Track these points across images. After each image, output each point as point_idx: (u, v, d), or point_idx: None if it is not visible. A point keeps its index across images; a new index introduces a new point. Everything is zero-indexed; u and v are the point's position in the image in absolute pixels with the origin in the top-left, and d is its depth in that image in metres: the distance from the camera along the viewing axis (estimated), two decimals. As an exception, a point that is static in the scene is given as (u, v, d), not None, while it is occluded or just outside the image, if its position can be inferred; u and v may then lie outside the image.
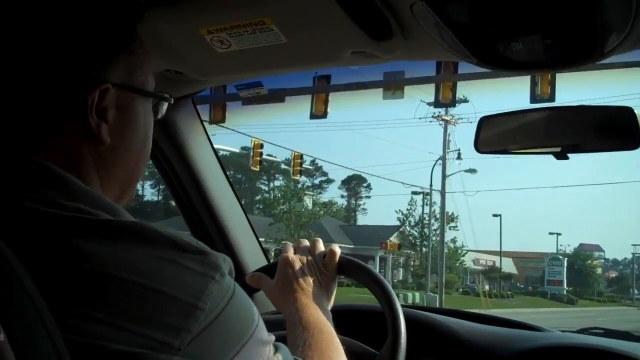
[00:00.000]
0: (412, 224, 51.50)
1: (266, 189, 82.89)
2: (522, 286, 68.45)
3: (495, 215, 60.46)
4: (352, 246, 48.00)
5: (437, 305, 31.09)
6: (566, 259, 65.81)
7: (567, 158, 1.70)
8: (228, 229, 2.26)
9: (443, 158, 38.76)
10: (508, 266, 70.93)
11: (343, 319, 1.42)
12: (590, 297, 65.63)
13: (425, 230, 48.65)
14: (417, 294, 38.87)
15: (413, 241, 51.46)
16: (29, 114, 0.91)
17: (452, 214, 47.80)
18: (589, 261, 72.36)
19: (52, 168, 0.89)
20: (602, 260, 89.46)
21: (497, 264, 66.36)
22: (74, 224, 0.81)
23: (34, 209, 0.82)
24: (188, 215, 2.27)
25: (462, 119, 38.46)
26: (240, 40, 1.51)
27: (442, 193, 38.44)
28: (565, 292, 62.02)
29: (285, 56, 1.62)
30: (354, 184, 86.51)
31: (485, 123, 1.83)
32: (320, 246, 1.50)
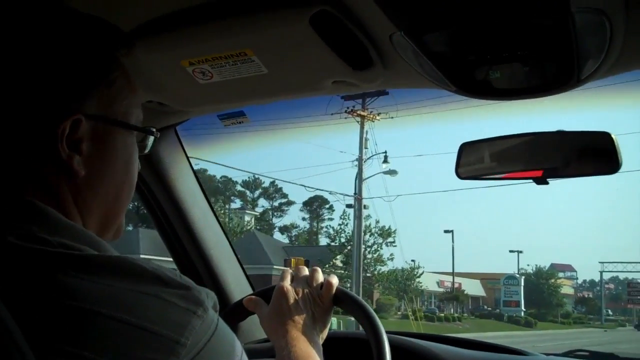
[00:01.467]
0: (346, 239, 45.97)
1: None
2: (490, 308, 66.26)
3: (447, 232, 58.24)
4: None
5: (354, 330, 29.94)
6: (523, 277, 63.72)
7: (547, 183, 1.72)
8: (212, 259, 2.25)
9: (359, 159, 33.28)
10: (475, 288, 69.20)
11: (327, 346, 1.42)
12: (554, 319, 63.45)
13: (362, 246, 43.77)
14: (333, 319, 33.87)
15: (344, 260, 45.47)
16: (8, 149, 0.91)
17: (389, 227, 45.33)
18: (552, 280, 69.78)
19: (35, 203, 0.89)
20: (574, 281, 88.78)
21: (464, 286, 64.88)
22: (58, 260, 0.80)
23: (17, 245, 0.81)
24: (172, 246, 2.26)
25: (383, 113, 32.20)
26: (222, 71, 1.52)
27: (358, 199, 33.13)
28: (522, 313, 59.77)
29: (266, 86, 1.63)
30: (316, 206, 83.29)
31: (465, 149, 1.85)
32: (319, 277, 1.48)
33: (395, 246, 47.07)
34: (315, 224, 66.59)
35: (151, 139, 1.10)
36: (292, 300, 1.40)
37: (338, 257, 44.91)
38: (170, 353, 0.78)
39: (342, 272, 42.15)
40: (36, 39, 0.93)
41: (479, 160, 1.89)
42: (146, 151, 1.09)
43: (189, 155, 2.25)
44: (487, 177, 1.90)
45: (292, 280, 1.47)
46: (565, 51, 1.31)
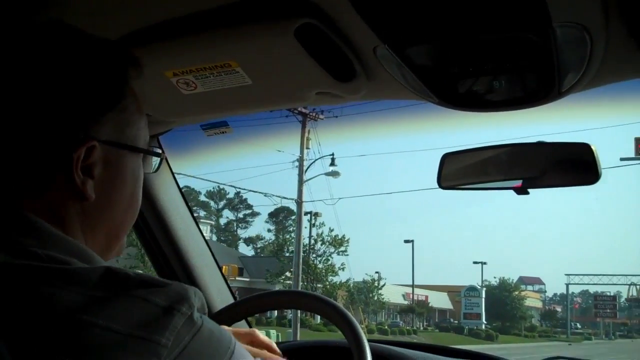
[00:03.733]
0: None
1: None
2: (456, 322, 65.09)
3: (407, 241, 57.33)
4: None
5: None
6: (484, 289, 62.70)
7: (527, 193, 1.75)
8: (195, 268, 2.24)
9: (300, 160, 31.06)
10: (442, 301, 68.87)
11: (308, 355, 1.42)
12: (518, 333, 62.44)
13: (312, 255, 42.28)
14: (272, 331, 30.84)
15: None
16: (17, 169, 0.92)
17: (343, 237, 42.98)
18: (517, 292, 68.37)
19: (27, 216, 0.89)
20: (543, 294, 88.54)
21: (430, 299, 64.07)
22: (44, 274, 0.81)
23: (5, 262, 0.82)
24: (154, 255, 2.25)
25: (326, 112, 30.41)
26: (206, 82, 1.53)
27: (298, 202, 31.25)
28: (484, 326, 58.85)
29: (251, 97, 1.64)
30: (282, 217, 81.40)
31: (447, 159, 1.86)
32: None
33: (347, 255, 43.62)
34: (281, 235, 65.45)
35: (156, 159, 1.12)
36: None
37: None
38: (151, 355, 0.78)
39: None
40: (52, 64, 0.94)
41: (460, 171, 1.91)
42: (151, 170, 1.11)
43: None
44: (468, 187, 1.93)
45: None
46: (547, 64, 1.33)
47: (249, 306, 1.98)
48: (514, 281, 72.89)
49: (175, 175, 2.28)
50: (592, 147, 1.65)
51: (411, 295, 60.82)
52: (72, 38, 0.99)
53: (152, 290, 0.82)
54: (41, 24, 0.97)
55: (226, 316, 2.05)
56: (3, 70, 0.92)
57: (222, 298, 2.31)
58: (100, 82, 0.98)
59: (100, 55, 1.00)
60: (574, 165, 1.74)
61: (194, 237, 2.29)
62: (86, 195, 0.94)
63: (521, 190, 1.75)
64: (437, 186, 1.88)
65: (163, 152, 2.17)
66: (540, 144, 1.78)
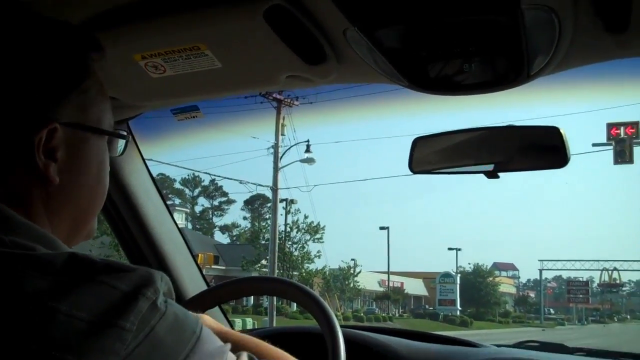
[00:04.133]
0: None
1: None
2: (432, 308, 64.99)
3: (382, 228, 56.84)
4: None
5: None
6: (459, 275, 63.09)
7: (497, 177, 1.76)
8: (166, 255, 2.23)
9: (275, 146, 30.64)
10: (418, 287, 69.02)
11: (281, 341, 1.42)
12: (492, 319, 62.42)
13: (288, 243, 41.84)
14: (248, 319, 30.42)
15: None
16: None
17: (318, 224, 42.39)
18: (491, 278, 69.13)
19: None
20: (516, 280, 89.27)
21: (406, 286, 64.05)
22: (10, 260, 0.80)
23: None
24: (124, 242, 2.24)
25: (301, 98, 29.88)
26: (175, 65, 1.51)
27: (274, 189, 30.91)
28: (458, 312, 59.12)
29: (220, 81, 1.63)
30: (258, 205, 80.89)
31: (418, 143, 1.87)
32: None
33: (322, 242, 43.26)
34: (257, 223, 65.14)
35: (122, 141, 1.11)
36: None
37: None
38: (116, 340, 0.77)
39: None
40: (9, 48, 0.93)
41: (432, 155, 1.91)
42: (117, 154, 1.10)
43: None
44: (440, 171, 1.93)
45: None
46: (515, 47, 1.33)
47: (220, 293, 1.98)
48: (488, 267, 73.66)
49: (148, 162, 2.26)
50: (561, 131, 1.66)
51: (387, 282, 60.93)
52: (29, 20, 0.97)
53: (116, 276, 0.81)
54: None
55: (198, 303, 2.04)
56: None
57: (194, 285, 2.31)
58: (60, 64, 0.97)
59: (59, 37, 0.98)
60: (543, 148, 1.75)
61: (166, 224, 2.28)
62: (50, 179, 0.93)
63: (492, 174, 1.76)
64: (409, 171, 1.89)
65: (130, 135, 2.17)
66: (510, 128, 1.79)
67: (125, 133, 1.10)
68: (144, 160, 2.24)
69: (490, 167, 1.77)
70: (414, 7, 1.27)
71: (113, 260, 0.85)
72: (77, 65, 0.99)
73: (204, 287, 2.31)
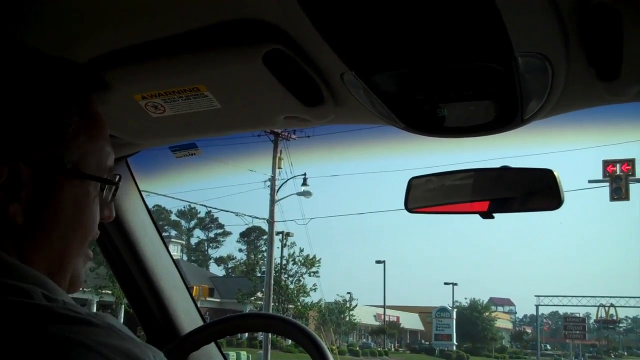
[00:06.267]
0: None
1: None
2: (428, 343, 64.35)
3: (378, 262, 56.88)
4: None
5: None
6: (455, 310, 62.58)
7: (492, 217, 1.77)
8: (163, 291, 2.23)
9: (272, 179, 30.91)
10: (414, 322, 68.50)
11: None
12: (489, 354, 62.24)
13: (283, 276, 41.63)
14: (242, 352, 32.30)
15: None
16: None
17: (314, 257, 42.25)
18: (487, 313, 68.67)
19: None
20: (513, 315, 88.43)
21: (402, 320, 63.57)
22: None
23: None
24: (120, 276, 2.23)
25: (298, 132, 29.92)
26: (175, 106, 1.53)
27: (270, 222, 30.91)
28: (454, 347, 58.65)
29: (219, 121, 1.65)
30: (254, 237, 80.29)
31: (414, 182, 1.89)
32: None
33: (318, 276, 42.65)
34: (252, 255, 64.67)
35: (112, 188, 1.05)
36: None
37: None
38: None
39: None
40: None
41: (427, 194, 1.93)
42: (108, 201, 1.05)
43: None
44: (435, 210, 1.95)
45: None
46: (510, 92, 1.36)
47: (216, 330, 1.98)
48: (485, 302, 73.04)
49: (145, 194, 2.27)
50: (555, 173, 1.68)
51: (382, 316, 60.62)
52: (13, 52, 0.95)
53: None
54: None
55: (194, 339, 2.04)
56: None
57: (190, 320, 2.30)
58: (35, 101, 0.93)
59: (36, 71, 0.95)
60: (537, 190, 1.77)
61: (162, 259, 2.28)
62: (12, 219, 0.90)
63: (486, 215, 1.77)
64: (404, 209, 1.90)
65: (132, 173, 2.18)
66: (504, 169, 1.81)
67: (110, 179, 1.04)
68: (141, 194, 2.25)
69: (484, 208, 1.78)
70: (411, 53, 1.30)
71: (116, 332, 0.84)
72: (55, 105, 0.95)
73: (200, 322, 2.31)
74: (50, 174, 0.93)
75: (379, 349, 51.28)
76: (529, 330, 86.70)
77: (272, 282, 31.19)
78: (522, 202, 1.81)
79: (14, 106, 0.91)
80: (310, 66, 1.39)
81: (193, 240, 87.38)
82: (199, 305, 2.47)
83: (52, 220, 0.94)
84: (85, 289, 30.59)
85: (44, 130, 0.93)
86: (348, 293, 52.97)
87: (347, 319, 51.21)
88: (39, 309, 0.80)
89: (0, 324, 0.77)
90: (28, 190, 0.91)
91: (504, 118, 1.47)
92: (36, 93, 0.94)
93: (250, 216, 36.22)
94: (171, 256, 2.36)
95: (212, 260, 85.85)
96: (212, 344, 2.27)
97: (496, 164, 1.89)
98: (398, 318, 64.17)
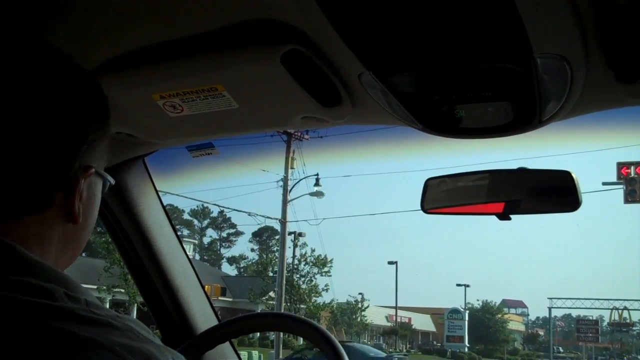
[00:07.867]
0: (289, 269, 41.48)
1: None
2: (440, 344, 63.81)
3: (390, 263, 56.84)
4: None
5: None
6: (467, 312, 62.22)
7: (509, 219, 1.77)
8: (178, 289, 2.24)
9: (284, 179, 31.16)
10: (425, 323, 68.34)
11: None
12: (501, 356, 61.70)
13: (295, 276, 42.12)
14: (254, 352, 32.47)
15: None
16: (18, 192, 0.89)
17: (325, 257, 42.67)
18: (499, 315, 68.36)
19: (4, 241, 0.86)
20: (525, 317, 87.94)
21: (413, 321, 63.37)
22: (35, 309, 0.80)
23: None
24: (138, 277, 2.25)
25: (311, 132, 30.01)
26: (193, 105, 1.54)
27: (282, 222, 31.21)
28: (466, 349, 58.29)
29: (236, 120, 1.65)
30: (266, 237, 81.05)
31: (430, 183, 1.88)
32: None
33: (330, 276, 43.09)
34: (265, 255, 65.19)
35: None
36: None
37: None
38: None
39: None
40: (53, 91, 0.93)
41: (443, 195, 1.93)
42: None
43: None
44: (451, 211, 1.95)
45: None
46: (528, 94, 1.35)
47: (231, 329, 1.99)
48: (497, 304, 72.73)
49: (160, 193, 2.28)
50: (573, 175, 1.67)
51: (394, 317, 60.54)
52: (65, 65, 0.98)
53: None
54: (36, 48, 0.96)
55: (209, 338, 2.05)
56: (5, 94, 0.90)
57: (205, 319, 2.31)
58: (94, 110, 0.99)
59: (92, 84, 1.00)
60: (555, 192, 1.76)
61: (177, 258, 2.29)
62: (77, 220, 0.95)
63: (503, 216, 1.77)
64: (421, 209, 1.90)
65: (149, 172, 2.19)
66: (521, 171, 1.80)
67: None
68: (157, 194, 2.26)
69: (501, 210, 1.78)
70: (429, 54, 1.30)
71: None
72: (104, 111, 1.01)
73: (214, 321, 2.32)
74: (90, 174, 0.98)
75: (391, 349, 50.97)
76: (541, 333, 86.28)
77: (284, 282, 31.25)
78: (540, 203, 1.80)
79: (79, 115, 0.96)
80: (328, 66, 1.39)
81: (205, 240, 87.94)
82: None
83: (91, 217, 1.02)
84: (101, 289, 30.64)
85: (101, 135, 0.99)
86: (360, 294, 52.87)
87: (359, 319, 51.15)
88: (60, 310, 0.81)
89: (21, 326, 0.78)
90: (85, 192, 0.97)
91: (522, 119, 1.46)
92: (92, 101, 0.99)
93: (263, 216, 36.31)
94: (187, 255, 2.37)
95: (224, 260, 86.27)
96: (227, 343, 2.28)
97: (507, 165, 1.89)
98: (410, 319, 64.07)
